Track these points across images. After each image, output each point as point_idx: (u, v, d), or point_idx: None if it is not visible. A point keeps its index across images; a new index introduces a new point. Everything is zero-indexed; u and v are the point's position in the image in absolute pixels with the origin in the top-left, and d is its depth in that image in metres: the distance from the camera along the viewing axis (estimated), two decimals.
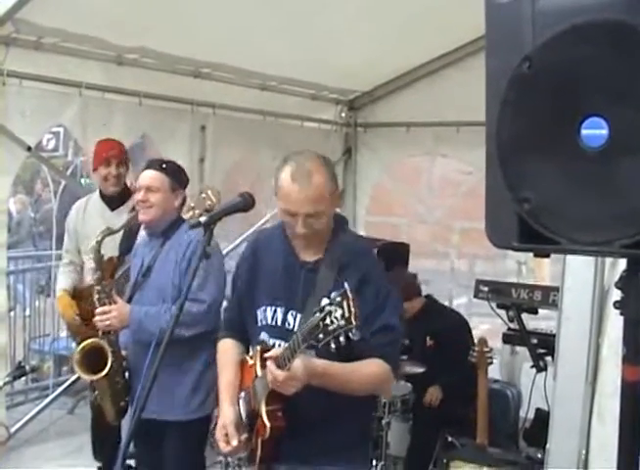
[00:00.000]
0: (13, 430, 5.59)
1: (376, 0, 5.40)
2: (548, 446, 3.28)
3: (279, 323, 3.09)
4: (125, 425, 4.30)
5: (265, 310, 3.13)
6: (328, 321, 2.53)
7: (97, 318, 4.17)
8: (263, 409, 2.96)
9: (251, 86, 6.82)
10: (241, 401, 3.16)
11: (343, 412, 3.02)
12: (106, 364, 4.10)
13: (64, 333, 8.12)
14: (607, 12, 1.60)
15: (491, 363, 5.29)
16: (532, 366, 5.29)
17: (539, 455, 4.97)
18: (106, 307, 4.16)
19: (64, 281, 5.28)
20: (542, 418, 5.40)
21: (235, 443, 3.03)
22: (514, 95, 1.74)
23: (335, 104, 7.97)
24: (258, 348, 3.07)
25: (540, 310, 5.53)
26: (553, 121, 1.69)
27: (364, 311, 2.74)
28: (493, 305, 5.55)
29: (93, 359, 4.15)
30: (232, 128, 6.79)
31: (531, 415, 5.86)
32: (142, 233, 4.52)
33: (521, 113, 1.74)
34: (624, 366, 1.88)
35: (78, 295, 5.11)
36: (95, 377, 4.13)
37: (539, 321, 5.71)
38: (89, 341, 4.22)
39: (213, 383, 3.97)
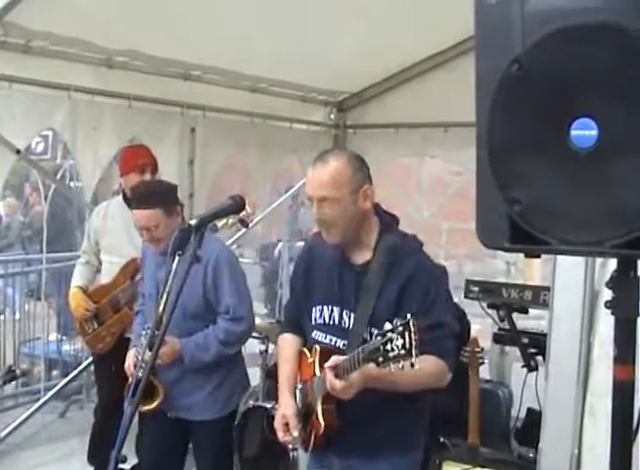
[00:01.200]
0: (3, 434, 5.57)
1: (364, 2, 5.40)
2: (540, 445, 3.29)
3: (336, 322, 3.26)
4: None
5: (322, 310, 3.30)
6: (389, 347, 2.65)
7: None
8: (319, 408, 3.15)
9: (241, 88, 6.82)
10: (297, 392, 3.35)
11: (392, 407, 3.16)
12: (155, 394, 4.21)
13: (54, 336, 8.14)
14: (596, 13, 1.61)
15: (482, 363, 5.30)
16: (523, 366, 5.30)
17: (531, 455, 4.97)
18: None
19: (78, 278, 5.40)
20: (534, 418, 5.41)
21: (296, 434, 3.23)
22: (503, 96, 1.75)
23: (324, 105, 7.97)
24: (318, 348, 3.25)
25: (531, 310, 5.53)
26: (543, 123, 1.69)
27: (412, 309, 2.89)
28: (484, 304, 5.55)
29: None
30: (222, 130, 6.80)
31: (523, 415, 5.87)
32: (146, 246, 4.49)
33: (511, 114, 1.74)
34: (615, 366, 1.90)
35: (89, 295, 5.25)
36: (147, 408, 4.20)
37: (530, 321, 5.72)
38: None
39: (237, 383, 4.45)
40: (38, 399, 6.43)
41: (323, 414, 3.12)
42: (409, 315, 2.64)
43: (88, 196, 6.23)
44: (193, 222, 2.96)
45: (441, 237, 8.21)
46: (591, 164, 1.65)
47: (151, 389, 4.18)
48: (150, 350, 4.10)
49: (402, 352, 2.60)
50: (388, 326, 2.68)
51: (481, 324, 5.97)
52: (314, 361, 3.23)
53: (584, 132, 1.64)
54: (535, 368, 5.23)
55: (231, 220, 4.58)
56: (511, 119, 1.74)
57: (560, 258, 3.11)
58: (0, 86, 5.12)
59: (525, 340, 5.36)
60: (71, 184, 11.06)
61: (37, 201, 11.91)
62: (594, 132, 1.63)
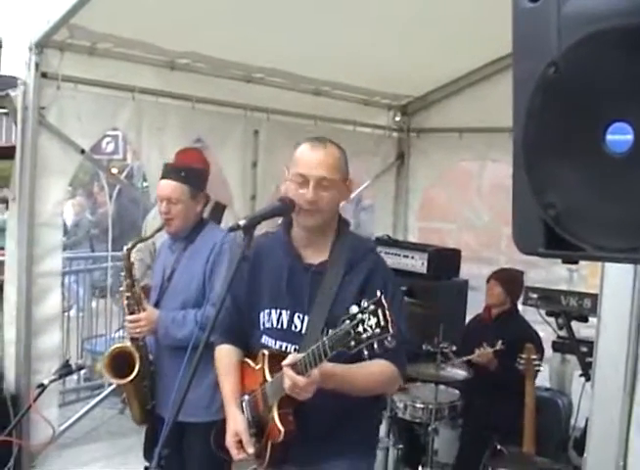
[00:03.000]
0: (63, 427, 5.65)
1: (428, 6, 5.38)
2: (585, 455, 3.25)
3: (284, 326, 3.12)
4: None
5: (270, 314, 3.15)
6: (361, 329, 2.55)
7: (127, 325, 4.28)
8: (276, 414, 2.99)
9: (304, 91, 6.88)
10: (245, 405, 3.20)
11: (350, 413, 3.05)
12: (133, 369, 4.21)
13: (117, 334, 8.26)
14: (632, 16, 1.59)
15: (539, 371, 5.25)
16: (581, 374, 5.22)
17: None
18: (135, 316, 4.25)
19: None
20: None
21: (251, 450, 3.07)
22: (540, 100, 1.73)
23: (387, 109, 7.97)
24: (266, 352, 3.10)
25: (591, 318, 5.45)
26: (578, 127, 1.67)
27: None
28: (542, 312, 5.48)
29: (122, 363, 4.27)
30: (285, 133, 6.81)
31: (582, 424, 5.79)
32: (164, 237, 4.60)
33: (546, 118, 1.73)
34: None
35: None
36: (122, 381, 4.25)
37: (590, 329, 5.62)
38: (118, 345, 4.38)
39: None
40: (99, 395, 6.51)
41: (281, 419, 2.99)
42: (378, 292, 2.57)
43: (154, 195, 6.28)
44: (242, 223, 2.97)
45: (502, 242, 8.12)
46: (626, 169, 1.62)
47: (128, 360, 4.23)
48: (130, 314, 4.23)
49: (377, 330, 2.52)
50: (354, 309, 2.58)
51: (540, 331, 5.89)
52: (263, 367, 3.09)
53: (620, 137, 1.62)
54: None
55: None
56: (546, 123, 1.73)
57: (608, 264, 3.07)
58: (66, 87, 5.24)
59: (584, 348, 5.27)
60: (140, 184, 11.23)
61: (103, 200, 12.11)
62: (629, 137, 1.60)
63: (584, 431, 5.66)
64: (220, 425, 3.32)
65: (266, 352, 3.10)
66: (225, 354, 3.35)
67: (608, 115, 1.63)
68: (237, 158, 6.62)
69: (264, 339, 3.18)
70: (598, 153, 1.65)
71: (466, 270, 7.25)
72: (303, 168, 3.03)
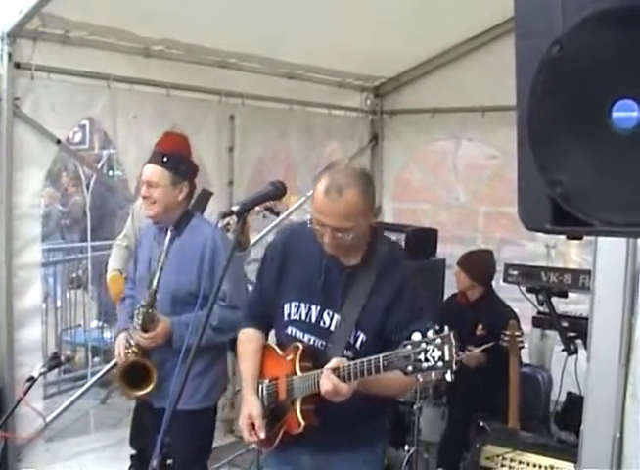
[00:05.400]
0: (49, 419, 5.62)
1: None
2: (582, 428, 3.28)
3: (313, 321, 3.17)
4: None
5: (298, 307, 3.20)
6: (421, 357, 2.62)
7: (144, 342, 4.17)
8: (298, 408, 3.06)
9: (278, 75, 6.86)
10: (264, 389, 3.25)
11: (366, 408, 3.11)
12: (148, 379, 4.18)
13: (94, 324, 8.24)
14: None
15: (522, 347, 5.30)
16: (563, 349, 5.27)
17: (571, 438, 4.97)
18: (152, 333, 4.12)
19: (117, 261, 5.53)
20: (574, 401, 5.40)
21: (263, 435, 3.14)
22: (544, 79, 1.74)
23: (360, 91, 7.99)
24: (300, 346, 3.13)
25: (570, 294, 5.50)
26: (584, 105, 1.69)
27: (400, 319, 2.97)
28: (523, 288, 5.53)
29: (134, 372, 4.22)
30: (260, 117, 6.83)
31: (562, 398, 5.85)
32: (146, 223, 4.55)
33: (551, 96, 1.74)
34: None
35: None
36: (140, 393, 4.21)
37: (569, 305, 5.69)
38: (132, 361, 4.25)
39: (220, 375, 4.28)
40: (80, 386, 6.42)
41: (303, 415, 3.06)
42: (446, 328, 2.64)
43: (132, 185, 6.21)
44: (234, 208, 2.96)
45: (478, 221, 8.16)
46: (633, 145, 1.64)
47: (144, 372, 4.19)
48: (143, 330, 4.10)
49: (440, 363, 2.59)
50: (417, 336, 2.65)
51: (520, 308, 5.94)
52: (294, 360, 3.13)
53: (625, 114, 1.63)
54: (575, 352, 5.20)
55: (257, 208, 4.58)
56: (552, 101, 1.74)
57: (600, 239, 3.09)
58: (39, 77, 5.18)
59: (565, 323, 5.33)
60: (110, 173, 11.12)
61: (76, 190, 12.01)
62: (635, 114, 1.62)
63: (565, 405, 5.75)
64: None
65: (301, 345, 3.14)
66: (248, 338, 3.42)
67: (613, 92, 1.65)
68: (213, 143, 6.60)
69: (290, 330, 3.24)
70: (604, 129, 1.66)
71: (442, 249, 7.29)
72: (318, 214, 2.99)
